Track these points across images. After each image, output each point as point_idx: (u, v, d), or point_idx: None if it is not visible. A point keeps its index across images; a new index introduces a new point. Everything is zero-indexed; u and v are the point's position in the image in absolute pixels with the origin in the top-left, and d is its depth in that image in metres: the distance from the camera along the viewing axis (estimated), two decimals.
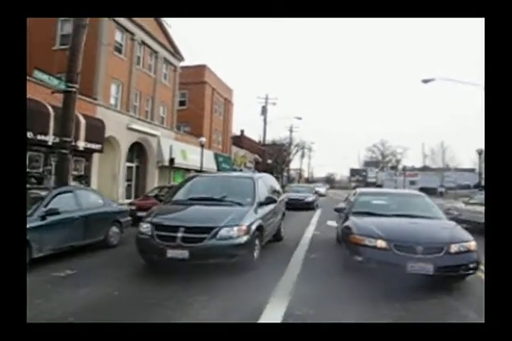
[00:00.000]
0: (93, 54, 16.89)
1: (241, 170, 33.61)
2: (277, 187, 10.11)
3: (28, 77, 12.76)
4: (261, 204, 6.94)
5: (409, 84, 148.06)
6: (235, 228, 5.81)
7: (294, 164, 70.36)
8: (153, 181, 21.88)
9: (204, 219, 5.99)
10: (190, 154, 24.85)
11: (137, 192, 21.28)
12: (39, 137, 12.46)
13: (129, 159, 20.46)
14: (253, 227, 6.14)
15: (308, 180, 69.75)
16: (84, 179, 16.20)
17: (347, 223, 6.63)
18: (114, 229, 8.29)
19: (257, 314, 4.08)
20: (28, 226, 6.01)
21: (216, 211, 6.36)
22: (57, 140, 12.66)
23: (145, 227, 6.01)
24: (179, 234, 5.62)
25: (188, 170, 25.39)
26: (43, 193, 7.21)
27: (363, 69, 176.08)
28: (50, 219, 6.48)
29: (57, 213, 6.62)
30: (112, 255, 7.50)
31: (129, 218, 9.05)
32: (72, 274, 5.88)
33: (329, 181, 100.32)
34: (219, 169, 29.23)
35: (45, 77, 10.20)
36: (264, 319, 3.96)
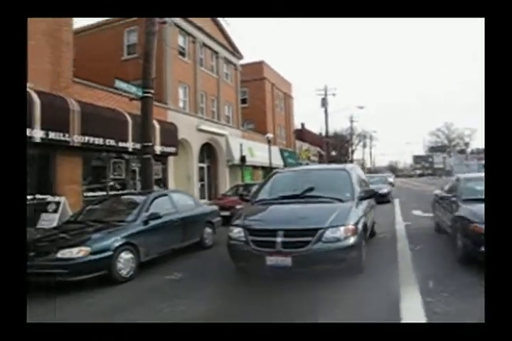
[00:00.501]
0: (160, 59, 17.33)
1: (307, 164, 33.13)
2: (365, 177, 9.56)
3: (105, 88, 13.59)
4: (360, 199, 6.38)
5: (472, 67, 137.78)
6: (342, 228, 5.15)
7: (357, 154, 68.50)
8: (225, 180, 22.19)
9: (304, 220, 5.33)
10: (256, 151, 24.89)
11: (210, 191, 21.71)
12: (120, 144, 12.97)
13: (201, 160, 20.89)
14: (359, 226, 5.55)
15: (370, 171, 67.43)
16: (162, 182, 16.76)
17: (460, 212, 6.09)
18: (208, 229, 8.36)
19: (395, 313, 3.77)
20: (133, 231, 6.19)
21: (315, 209, 5.68)
22: (137, 146, 13.24)
23: (236, 232, 5.48)
24: (279, 239, 5.03)
25: (255, 167, 25.48)
26: (139, 198, 7.41)
27: (426, 53, 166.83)
28: (152, 223, 6.61)
29: (159, 217, 6.75)
30: (210, 256, 7.53)
31: (219, 218, 9.11)
32: (183, 277, 5.92)
33: (392, 170, 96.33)
34: (285, 164, 29.03)
35: (124, 85, 10.59)
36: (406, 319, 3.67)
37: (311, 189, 6.37)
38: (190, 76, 19.91)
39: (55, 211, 10.12)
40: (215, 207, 9.55)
